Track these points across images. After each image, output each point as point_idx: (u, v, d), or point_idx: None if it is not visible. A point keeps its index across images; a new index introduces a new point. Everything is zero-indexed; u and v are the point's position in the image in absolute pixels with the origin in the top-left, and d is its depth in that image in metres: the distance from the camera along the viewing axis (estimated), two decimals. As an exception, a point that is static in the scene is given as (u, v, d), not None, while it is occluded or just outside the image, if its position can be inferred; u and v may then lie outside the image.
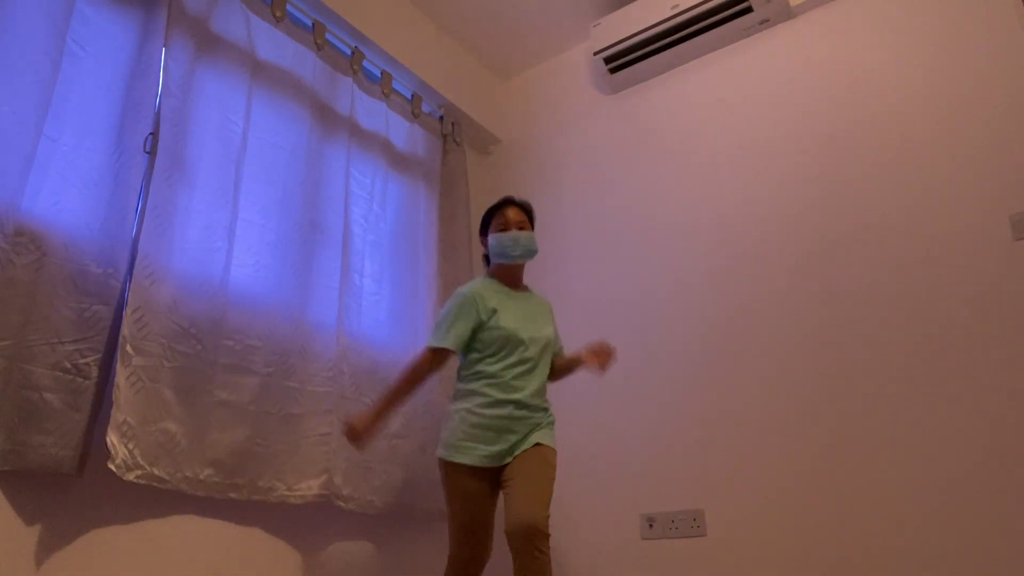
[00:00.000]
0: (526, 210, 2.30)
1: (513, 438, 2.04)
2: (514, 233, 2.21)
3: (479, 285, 2.19)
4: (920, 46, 2.45)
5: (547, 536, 1.90)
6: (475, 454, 2.02)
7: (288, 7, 2.50)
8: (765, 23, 2.79)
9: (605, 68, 3.05)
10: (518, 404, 2.06)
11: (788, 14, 2.76)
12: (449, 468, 2.04)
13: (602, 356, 2.17)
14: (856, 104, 2.52)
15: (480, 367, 2.10)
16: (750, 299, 2.54)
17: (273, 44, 2.41)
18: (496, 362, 2.09)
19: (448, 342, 2.07)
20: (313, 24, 2.60)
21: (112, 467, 1.65)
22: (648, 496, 2.54)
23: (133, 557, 1.76)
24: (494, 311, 2.12)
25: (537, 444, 2.05)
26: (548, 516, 1.93)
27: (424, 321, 2.69)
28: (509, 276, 2.25)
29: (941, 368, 2.15)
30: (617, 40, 2.94)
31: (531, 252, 2.24)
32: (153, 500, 1.81)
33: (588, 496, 2.66)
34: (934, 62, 2.40)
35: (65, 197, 1.75)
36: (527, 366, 2.10)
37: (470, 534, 2.03)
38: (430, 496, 2.48)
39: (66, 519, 1.66)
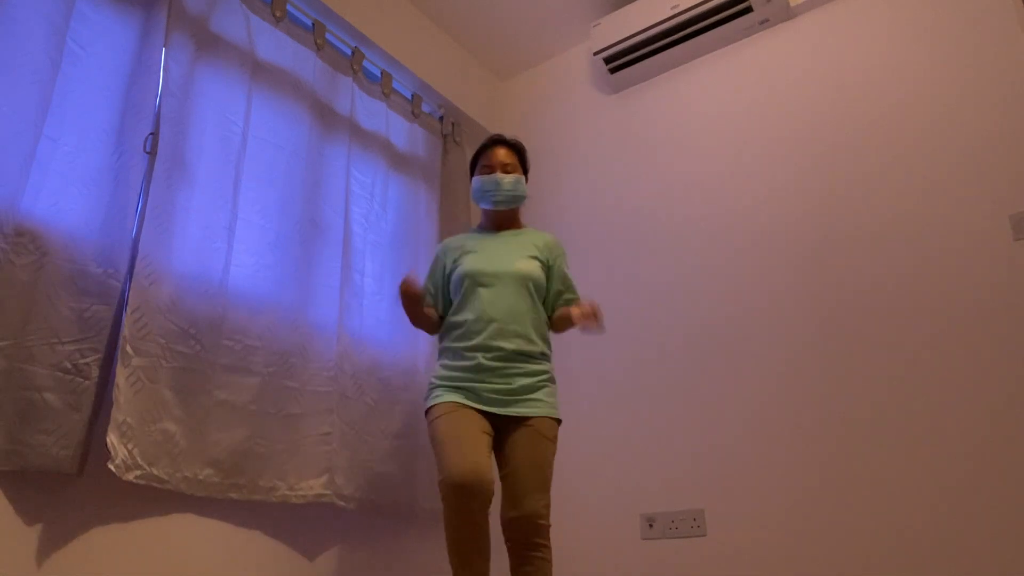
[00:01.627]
0: (517, 150, 2.16)
1: (499, 383, 1.89)
2: (496, 176, 2.08)
3: (457, 236, 2.15)
4: (920, 46, 2.45)
5: (546, 527, 1.81)
6: (451, 396, 1.89)
7: (288, 7, 2.50)
8: (765, 23, 2.79)
9: (605, 68, 3.05)
10: (487, 349, 1.91)
11: (788, 14, 2.76)
12: (428, 415, 1.93)
13: (588, 318, 1.94)
14: (856, 104, 2.52)
15: (451, 320, 2.00)
16: (750, 299, 2.54)
17: (273, 44, 2.41)
18: (462, 311, 1.98)
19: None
20: (313, 24, 2.60)
21: (112, 467, 1.65)
22: (648, 496, 2.54)
23: (133, 557, 1.76)
24: (461, 255, 2.03)
25: (529, 419, 1.90)
26: (548, 503, 1.83)
27: (424, 321, 2.69)
28: (493, 223, 2.15)
29: (941, 368, 2.15)
30: (617, 40, 2.94)
31: (515, 198, 2.10)
32: (153, 500, 1.81)
33: (588, 496, 2.65)
34: (934, 62, 2.40)
35: (65, 197, 1.75)
36: (480, 309, 1.95)
37: (456, 444, 1.78)
38: (431, 496, 2.48)
39: (66, 519, 1.66)
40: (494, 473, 1.82)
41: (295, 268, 2.26)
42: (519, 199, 2.13)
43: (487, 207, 2.15)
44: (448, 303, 2.08)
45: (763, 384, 2.43)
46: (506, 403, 1.92)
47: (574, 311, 1.98)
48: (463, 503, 1.73)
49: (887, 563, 2.08)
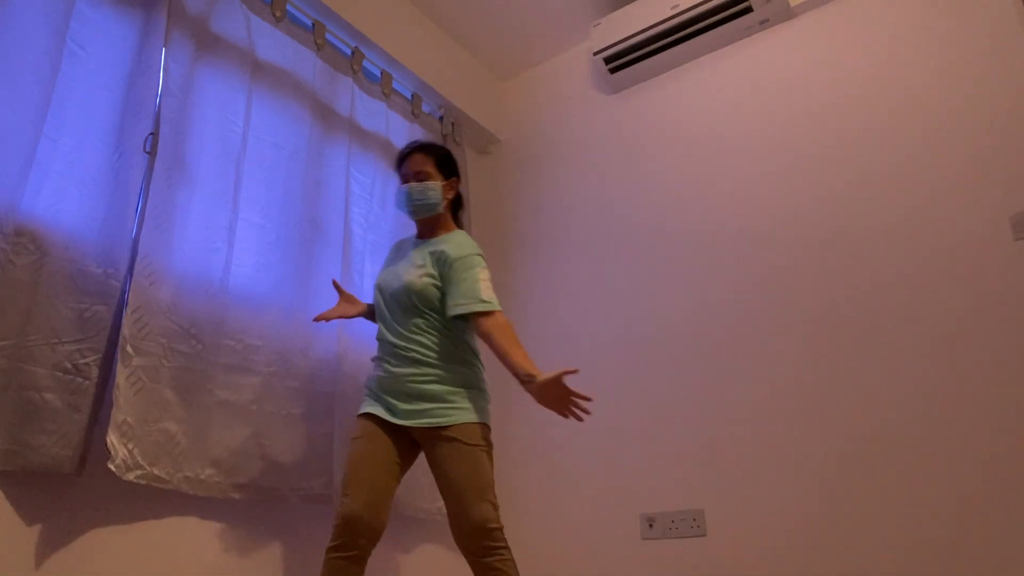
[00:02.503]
0: (435, 153, 2.09)
1: (403, 396, 1.89)
2: (405, 186, 2.07)
3: (402, 240, 2.20)
4: (920, 46, 2.45)
5: (497, 529, 1.77)
6: (370, 408, 1.93)
7: (288, 7, 2.50)
8: (765, 23, 2.79)
9: (605, 68, 3.05)
10: (389, 361, 1.94)
11: (788, 14, 2.76)
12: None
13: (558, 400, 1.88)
14: (856, 104, 2.52)
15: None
16: (750, 299, 2.54)
17: (273, 44, 2.41)
18: (379, 321, 2.05)
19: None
20: (313, 24, 2.60)
21: (112, 467, 1.65)
22: (648, 496, 2.54)
23: (133, 557, 1.76)
24: (385, 264, 2.13)
25: (438, 429, 1.85)
26: (493, 504, 1.79)
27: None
28: (418, 232, 2.16)
29: (941, 367, 2.15)
30: (617, 40, 2.94)
31: (424, 207, 2.04)
32: (153, 500, 1.81)
33: (588, 496, 2.65)
34: (934, 62, 2.40)
35: (65, 197, 1.75)
36: (384, 319, 2.00)
37: (355, 477, 1.81)
38: (430, 496, 2.48)
39: (66, 519, 1.66)
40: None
41: (295, 268, 2.26)
42: (431, 207, 2.06)
43: (409, 217, 2.14)
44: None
45: (763, 384, 2.43)
46: (415, 414, 1.89)
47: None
48: (350, 538, 1.77)
49: (887, 563, 2.08)
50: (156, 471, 1.75)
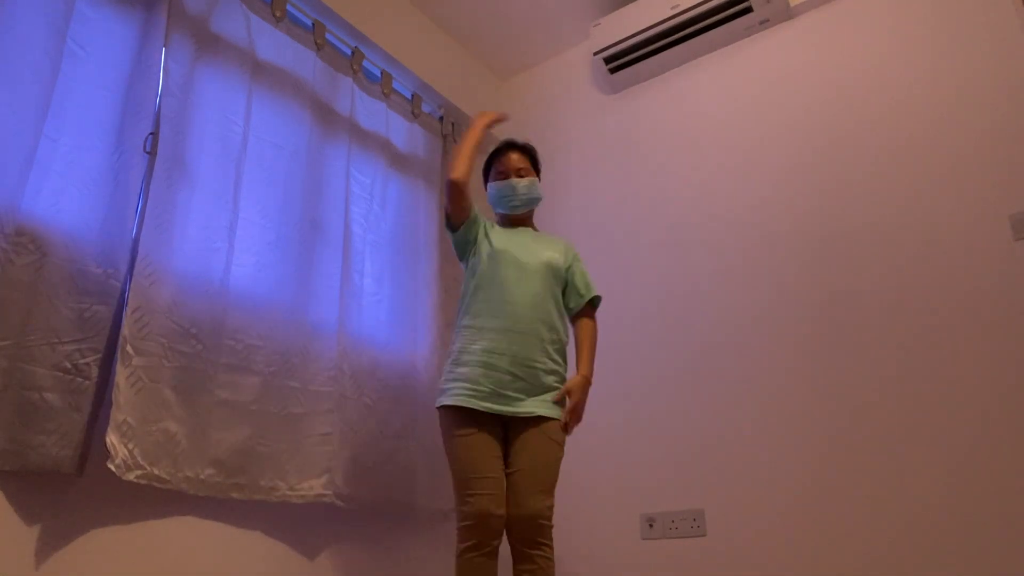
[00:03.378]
0: (529, 153, 2.22)
1: (512, 377, 1.92)
2: (512, 181, 2.14)
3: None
4: (920, 46, 2.45)
5: (549, 527, 1.83)
6: (463, 400, 1.92)
7: (288, 7, 2.50)
8: (765, 23, 2.79)
9: (605, 68, 3.05)
10: (508, 335, 1.97)
11: (788, 14, 2.76)
12: (443, 417, 1.96)
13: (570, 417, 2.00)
14: (856, 104, 2.52)
15: (470, 298, 2.08)
16: (750, 299, 2.54)
17: (273, 44, 2.41)
18: (485, 289, 2.05)
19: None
20: (313, 24, 2.60)
21: (112, 467, 1.65)
22: (648, 496, 2.54)
23: (133, 557, 1.76)
24: (491, 230, 2.15)
25: (541, 419, 1.92)
26: (551, 504, 1.86)
27: (424, 321, 2.69)
28: (511, 225, 2.20)
29: (941, 367, 2.15)
30: (617, 40, 2.94)
31: (531, 200, 2.18)
32: (153, 500, 1.81)
33: (588, 496, 2.65)
34: (934, 62, 2.41)
35: (65, 197, 1.75)
36: (511, 294, 2.02)
37: (478, 476, 1.83)
38: (430, 495, 2.48)
39: (66, 519, 1.66)
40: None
41: (295, 268, 2.26)
42: (535, 201, 2.19)
43: (504, 212, 2.19)
44: (465, 255, 2.13)
45: (763, 384, 2.43)
46: (518, 401, 1.92)
47: (568, 400, 2.01)
48: (484, 536, 1.81)
49: (887, 563, 2.08)
50: (156, 471, 1.75)
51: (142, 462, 1.72)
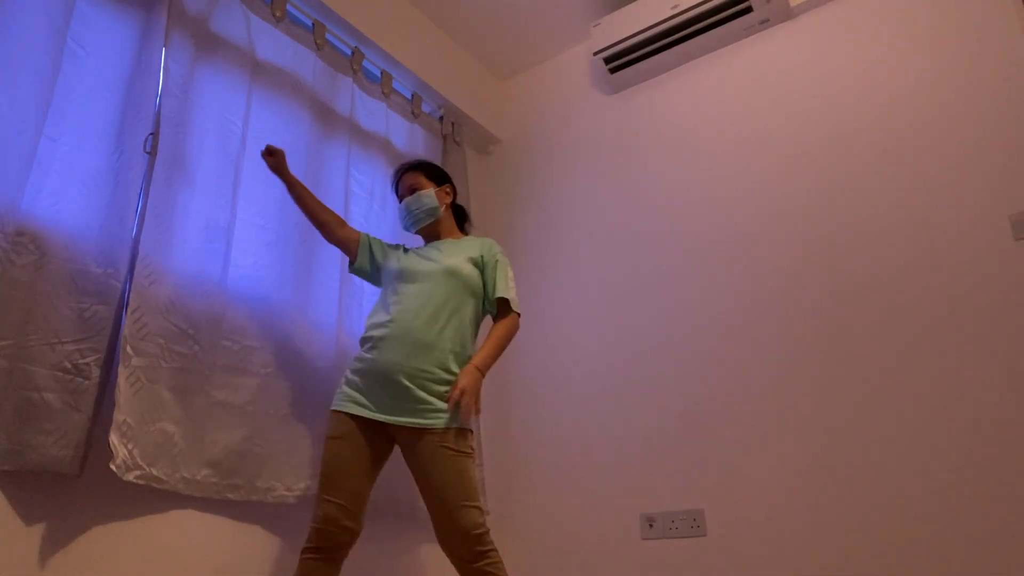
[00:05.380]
0: (420, 168, 2.21)
1: (398, 388, 1.89)
2: (404, 202, 2.17)
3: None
4: (920, 45, 2.45)
5: (484, 534, 1.78)
6: (347, 406, 1.93)
7: (288, 7, 2.50)
8: (765, 23, 2.79)
9: (605, 68, 3.05)
10: (397, 345, 1.95)
11: (788, 14, 2.76)
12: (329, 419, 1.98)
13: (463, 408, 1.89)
14: (856, 104, 2.52)
15: (372, 313, 2.10)
16: (750, 298, 2.54)
17: (273, 44, 2.41)
18: (384, 304, 2.08)
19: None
20: (313, 24, 2.60)
21: (112, 467, 1.65)
22: (648, 496, 2.54)
23: (133, 557, 1.76)
24: (399, 252, 2.17)
25: (429, 430, 1.84)
26: (479, 508, 1.79)
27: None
28: (428, 239, 2.22)
29: (941, 367, 2.15)
30: (617, 40, 2.94)
31: (426, 212, 2.15)
32: (153, 500, 1.81)
33: (588, 496, 2.66)
34: (934, 61, 2.41)
35: (65, 197, 1.75)
36: (401, 304, 2.02)
37: (331, 481, 1.82)
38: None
39: (66, 519, 1.66)
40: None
41: (294, 269, 2.26)
42: (432, 211, 2.16)
43: (415, 232, 2.22)
44: (372, 272, 2.18)
45: (763, 384, 2.43)
46: (404, 411, 1.88)
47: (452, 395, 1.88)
48: (326, 542, 1.80)
49: (887, 563, 2.08)
50: (155, 471, 1.75)
51: (141, 462, 1.72)
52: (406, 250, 2.19)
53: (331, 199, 2.46)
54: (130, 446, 1.70)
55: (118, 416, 1.68)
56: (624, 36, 2.92)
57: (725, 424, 2.46)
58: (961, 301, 2.17)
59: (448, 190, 2.25)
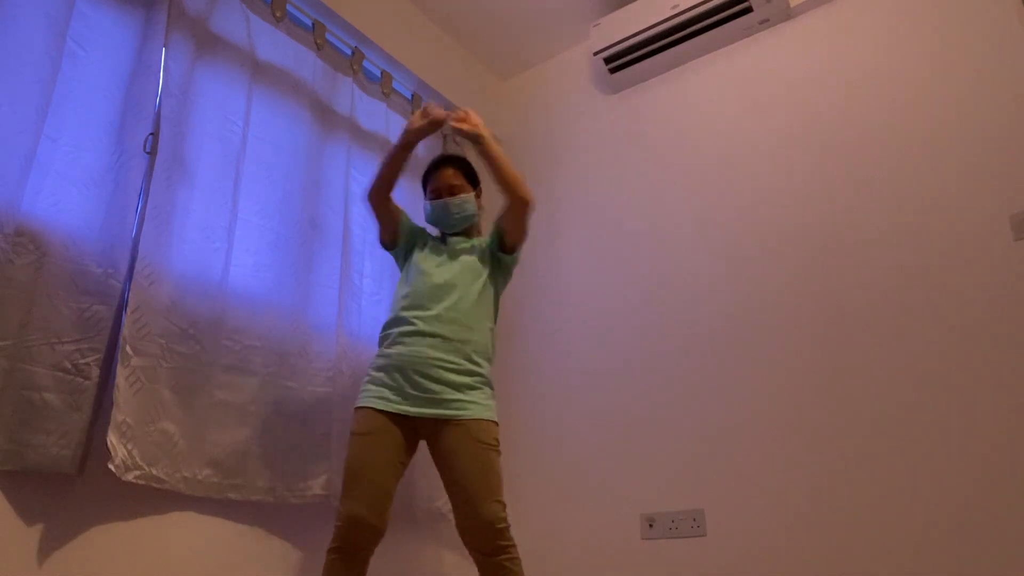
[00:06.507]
0: (463, 167, 2.17)
1: (428, 380, 1.87)
2: (445, 201, 2.11)
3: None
4: (920, 46, 2.45)
5: (505, 528, 1.78)
6: (374, 402, 1.89)
7: (288, 7, 2.50)
8: (765, 23, 2.79)
9: (605, 68, 3.05)
10: (423, 336, 1.93)
11: (788, 14, 2.76)
12: (353, 416, 1.95)
13: (459, 121, 2.05)
14: (856, 104, 2.52)
15: (394, 302, 2.09)
16: (751, 299, 2.54)
17: (273, 44, 2.41)
18: (406, 288, 2.06)
19: None
20: (313, 24, 2.60)
21: (112, 467, 1.65)
22: (648, 496, 2.54)
23: (133, 557, 1.76)
24: (423, 239, 2.16)
25: (460, 421, 1.84)
26: (502, 503, 1.80)
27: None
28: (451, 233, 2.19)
29: (941, 368, 2.15)
30: (617, 40, 2.94)
31: (464, 219, 2.13)
32: (154, 500, 1.81)
33: (588, 496, 2.65)
34: (934, 62, 2.40)
35: (65, 197, 1.75)
36: (429, 296, 2.01)
37: (358, 479, 1.78)
38: (429, 496, 2.48)
39: (66, 519, 1.66)
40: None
41: (294, 268, 2.26)
42: (470, 218, 2.14)
43: (441, 231, 2.16)
44: (401, 247, 2.15)
45: (763, 384, 2.43)
46: (434, 403, 1.86)
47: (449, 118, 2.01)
48: (350, 541, 1.77)
49: (888, 563, 2.08)
50: (155, 471, 1.75)
51: (140, 462, 1.72)
52: (428, 240, 2.16)
53: (331, 199, 2.46)
54: (129, 446, 1.70)
55: (117, 416, 1.68)
56: (624, 36, 2.92)
57: (725, 424, 2.46)
58: (961, 301, 2.16)
59: (479, 193, 2.22)
